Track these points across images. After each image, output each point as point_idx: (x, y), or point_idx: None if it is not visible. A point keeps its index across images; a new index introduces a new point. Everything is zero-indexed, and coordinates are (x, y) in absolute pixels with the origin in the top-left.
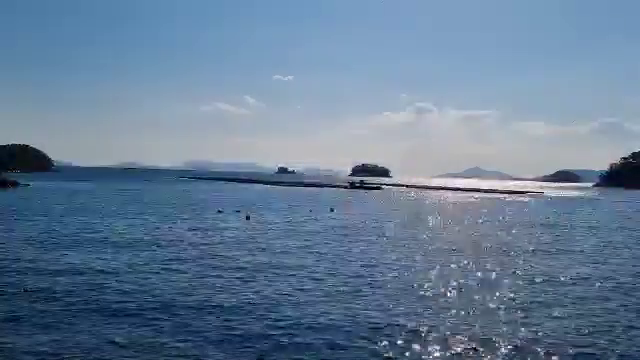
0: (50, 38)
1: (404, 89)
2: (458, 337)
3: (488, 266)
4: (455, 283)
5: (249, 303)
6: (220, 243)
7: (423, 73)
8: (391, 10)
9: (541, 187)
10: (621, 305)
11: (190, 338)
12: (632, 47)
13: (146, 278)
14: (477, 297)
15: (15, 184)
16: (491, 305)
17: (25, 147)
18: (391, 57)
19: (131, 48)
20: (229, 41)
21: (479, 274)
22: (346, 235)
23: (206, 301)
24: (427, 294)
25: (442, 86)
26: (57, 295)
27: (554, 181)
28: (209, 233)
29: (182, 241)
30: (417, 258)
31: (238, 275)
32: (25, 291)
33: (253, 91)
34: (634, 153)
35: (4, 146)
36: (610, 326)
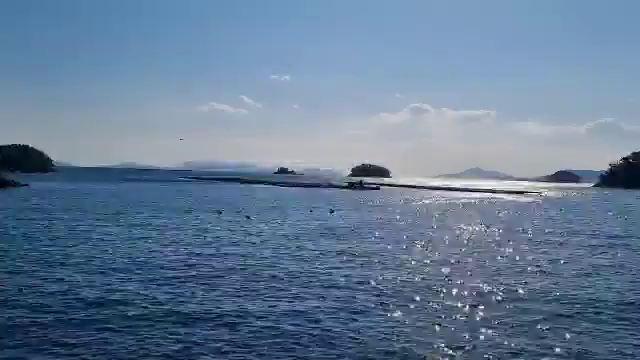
0: (50, 38)
1: (400, 90)
2: None
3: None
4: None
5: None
6: (223, 245)
7: (419, 74)
8: (388, 10)
9: (542, 187)
10: None
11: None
12: (630, 47)
13: (142, 286)
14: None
15: (15, 184)
16: None
17: (25, 147)
18: (388, 57)
19: (130, 48)
20: (226, 40)
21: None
22: (350, 235)
23: (211, 311)
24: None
25: (438, 86)
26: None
27: (554, 181)
28: (209, 234)
29: (180, 243)
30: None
31: (242, 280)
32: (20, 291)
33: (250, 91)
34: (634, 153)
35: (4, 146)
36: None
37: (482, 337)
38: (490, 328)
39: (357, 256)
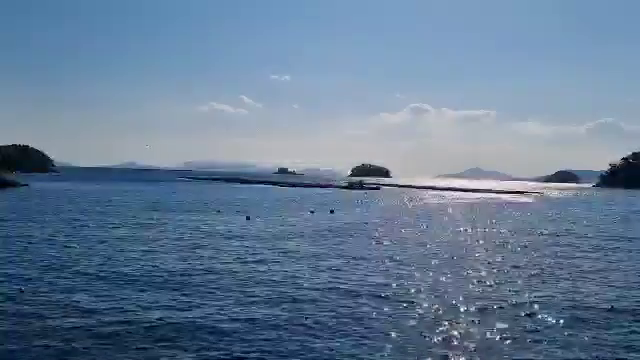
0: (50, 38)
1: (400, 90)
2: None
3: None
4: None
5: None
6: (222, 246)
7: (419, 74)
8: (388, 10)
9: (542, 187)
10: None
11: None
12: (630, 47)
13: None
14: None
15: (15, 184)
16: None
17: (25, 147)
18: (388, 57)
19: (130, 48)
20: (226, 40)
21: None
22: (350, 236)
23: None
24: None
25: (438, 86)
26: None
27: (554, 181)
28: (208, 235)
29: (179, 245)
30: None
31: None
32: (21, 291)
33: (250, 91)
34: (634, 153)
35: (4, 146)
36: None
37: (478, 341)
38: (488, 331)
39: (358, 258)
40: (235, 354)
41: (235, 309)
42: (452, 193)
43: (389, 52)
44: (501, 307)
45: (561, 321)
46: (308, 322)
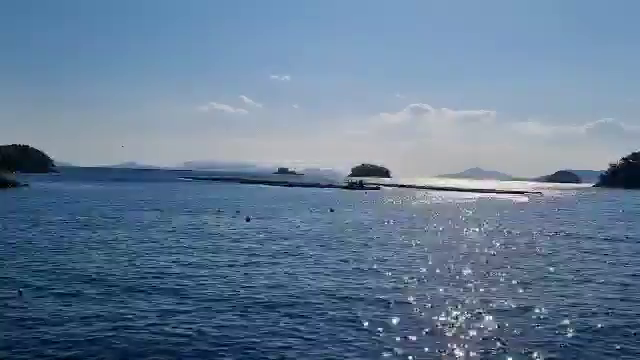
0: (50, 38)
1: (400, 90)
2: None
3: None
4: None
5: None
6: (221, 249)
7: (419, 74)
8: (388, 10)
9: (542, 188)
10: None
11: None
12: (630, 47)
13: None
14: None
15: (15, 185)
16: None
17: (25, 147)
18: (388, 57)
19: (130, 48)
20: (226, 40)
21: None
22: (350, 236)
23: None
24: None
25: (438, 86)
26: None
27: (554, 181)
28: (208, 236)
29: (177, 244)
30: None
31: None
32: (20, 293)
33: (250, 91)
34: (634, 153)
35: (4, 146)
36: None
37: (478, 343)
38: (488, 334)
39: (357, 258)
40: None
41: (234, 313)
42: (452, 193)
43: (389, 52)
44: (501, 309)
45: (561, 322)
46: (306, 327)
